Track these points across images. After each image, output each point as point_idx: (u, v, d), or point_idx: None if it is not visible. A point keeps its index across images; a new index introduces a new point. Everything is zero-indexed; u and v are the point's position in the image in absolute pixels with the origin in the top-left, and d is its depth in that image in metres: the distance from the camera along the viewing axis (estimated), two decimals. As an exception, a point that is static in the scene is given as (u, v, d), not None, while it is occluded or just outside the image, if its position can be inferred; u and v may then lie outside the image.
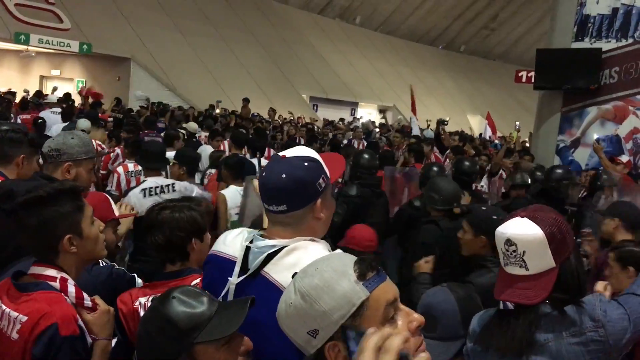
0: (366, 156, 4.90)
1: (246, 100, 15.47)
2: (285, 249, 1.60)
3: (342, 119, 19.10)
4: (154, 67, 19.44)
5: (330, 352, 1.14)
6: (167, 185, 4.33)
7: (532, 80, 10.68)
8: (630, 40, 8.24)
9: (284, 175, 1.61)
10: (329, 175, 1.68)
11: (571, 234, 1.81)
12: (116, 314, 1.94)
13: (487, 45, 34.74)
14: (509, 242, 1.76)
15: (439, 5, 30.27)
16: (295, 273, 1.23)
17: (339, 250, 1.34)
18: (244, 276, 1.62)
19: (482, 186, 7.91)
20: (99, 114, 9.52)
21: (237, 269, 1.63)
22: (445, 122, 10.95)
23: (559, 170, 5.71)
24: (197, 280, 2.08)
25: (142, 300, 2.10)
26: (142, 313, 2.02)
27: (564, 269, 1.75)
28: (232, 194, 4.58)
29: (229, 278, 1.63)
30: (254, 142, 7.11)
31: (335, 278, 1.16)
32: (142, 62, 19.14)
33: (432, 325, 1.95)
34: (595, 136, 7.92)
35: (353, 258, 1.20)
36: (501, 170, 7.79)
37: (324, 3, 27.89)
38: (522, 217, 1.78)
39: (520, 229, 1.75)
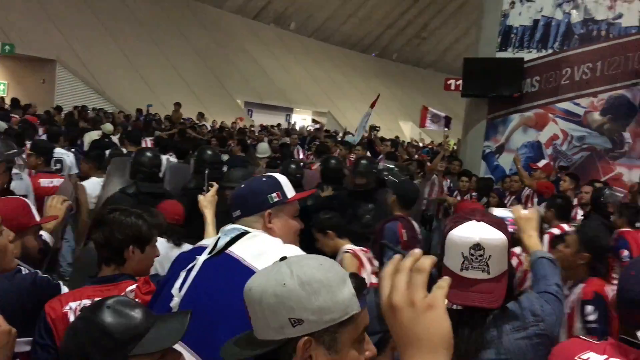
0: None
1: (177, 105, 15.30)
2: (250, 234, 1.89)
3: (278, 124, 19.12)
4: (81, 69, 18.81)
5: (303, 347, 1.13)
6: None
7: (460, 88, 11.07)
8: (550, 51, 8.67)
9: (243, 185, 2.02)
10: (287, 195, 1.99)
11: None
12: (44, 319, 1.97)
13: (418, 54, 35.65)
14: (477, 246, 1.75)
15: (372, 13, 30.82)
16: (285, 257, 1.22)
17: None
18: (210, 254, 1.85)
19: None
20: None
21: (208, 249, 1.87)
22: (377, 128, 11.14)
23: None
24: (133, 287, 2.07)
25: (73, 305, 2.03)
26: (72, 318, 1.96)
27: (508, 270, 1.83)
28: (92, 184, 5.02)
29: (198, 256, 1.86)
30: (176, 144, 7.52)
31: (338, 282, 1.16)
32: (68, 65, 18.47)
33: None
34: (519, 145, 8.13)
35: (346, 272, 1.22)
36: (434, 175, 7.99)
37: (259, 8, 27.84)
38: (478, 221, 1.79)
39: (487, 233, 1.76)
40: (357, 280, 1.18)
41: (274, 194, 1.96)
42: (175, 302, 1.80)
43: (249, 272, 1.63)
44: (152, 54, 21.46)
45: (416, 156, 13.15)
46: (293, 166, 5.12)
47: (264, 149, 8.35)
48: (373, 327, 1.86)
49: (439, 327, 0.92)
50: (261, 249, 1.81)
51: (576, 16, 8.48)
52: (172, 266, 1.99)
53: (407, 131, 29.17)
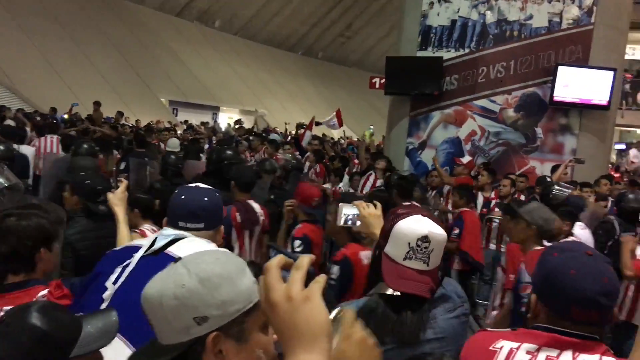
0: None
1: (97, 104, 14.85)
2: (188, 237, 1.94)
3: (203, 123, 18.84)
4: (-6, 68, 17.86)
5: (213, 343, 1.12)
6: None
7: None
8: (467, 50, 9.00)
9: (206, 199, 2.04)
10: None
11: None
12: None
13: (343, 53, 36.08)
14: (425, 239, 1.85)
15: (297, 12, 30.92)
16: (180, 257, 1.22)
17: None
18: (148, 252, 1.90)
19: (339, 187, 8.23)
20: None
21: (143, 248, 1.92)
22: (304, 126, 11.22)
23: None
24: (44, 292, 1.99)
25: None
26: None
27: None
28: None
29: (134, 254, 1.90)
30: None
31: (237, 272, 1.17)
32: (-22, 63, 17.50)
33: None
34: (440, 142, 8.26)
35: (243, 261, 1.23)
36: (372, 170, 8.13)
37: (182, 5, 27.32)
38: (423, 215, 1.90)
39: (434, 228, 1.87)
40: (255, 267, 1.24)
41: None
42: (107, 294, 1.82)
43: None
44: (70, 52, 20.63)
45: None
46: (173, 157, 5.76)
47: (174, 144, 8.88)
48: None
49: (318, 317, 0.94)
50: (198, 249, 1.84)
51: (490, 17, 8.85)
52: (102, 262, 2.01)
53: (336, 131, 29.42)
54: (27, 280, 2.06)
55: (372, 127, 8.86)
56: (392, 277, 1.84)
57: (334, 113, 11.60)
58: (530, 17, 8.67)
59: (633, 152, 17.57)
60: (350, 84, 34.06)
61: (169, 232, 1.97)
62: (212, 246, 1.94)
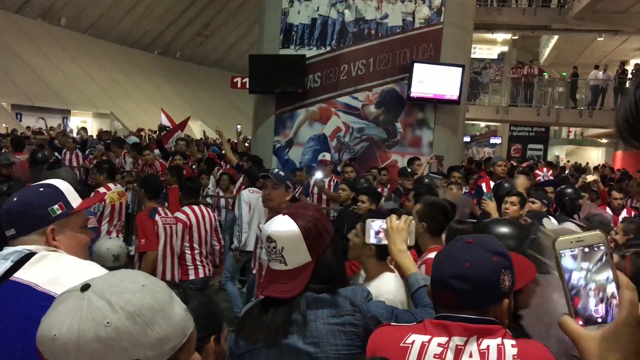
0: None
1: None
2: (37, 255, 1.57)
3: (52, 127, 17.48)
4: None
5: None
6: None
7: (247, 86, 11.23)
8: (328, 48, 9.19)
9: (15, 199, 1.69)
10: (72, 204, 1.73)
11: (328, 229, 1.91)
12: None
13: (202, 52, 35.38)
14: (269, 239, 1.83)
15: (151, 10, 29.77)
16: (87, 284, 0.95)
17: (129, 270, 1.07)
18: None
19: (209, 188, 8.03)
20: None
21: None
22: (167, 129, 10.82)
23: None
24: None
25: None
26: None
27: (320, 262, 1.87)
28: None
29: None
30: None
31: (168, 300, 0.98)
32: None
33: None
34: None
35: (165, 284, 1.03)
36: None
37: (22, 1, 25.16)
38: (284, 214, 1.86)
39: (279, 226, 1.83)
40: (179, 291, 1.06)
41: (56, 206, 1.69)
42: None
43: (47, 298, 1.40)
44: None
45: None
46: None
47: None
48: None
49: None
50: (56, 271, 1.54)
51: (349, 16, 9.10)
52: None
53: (197, 129, 28.82)
54: None
55: (239, 125, 8.74)
56: (263, 281, 1.88)
57: (163, 115, 11.40)
58: (386, 16, 9.03)
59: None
60: (210, 84, 33.51)
61: (8, 251, 1.60)
62: (67, 259, 1.61)
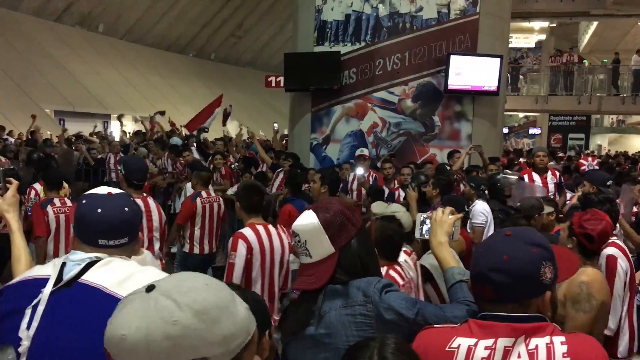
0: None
1: None
2: (104, 260, 1.63)
3: (96, 133, 17.90)
4: None
5: None
6: None
7: (282, 84, 11.29)
8: (363, 44, 9.15)
9: (126, 209, 1.74)
10: None
11: (354, 221, 1.89)
12: None
13: (235, 53, 35.68)
14: (294, 233, 1.88)
15: (185, 13, 30.16)
16: (152, 285, 0.97)
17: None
18: (57, 285, 1.57)
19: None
20: None
21: (51, 280, 1.59)
22: (206, 130, 10.97)
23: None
24: None
25: None
26: None
27: (345, 253, 1.86)
28: None
29: (41, 289, 1.56)
30: None
31: (231, 300, 0.99)
32: None
33: None
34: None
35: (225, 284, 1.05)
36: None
37: (61, 10, 25.79)
38: (308, 209, 1.90)
39: (301, 220, 1.87)
40: (240, 291, 1.08)
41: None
42: (24, 347, 1.50)
43: (114, 299, 1.44)
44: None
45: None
46: None
47: None
48: None
49: None
50: (122, 274, 1.60)
51: (383, 10, 9.04)
52: (10, 293, 1.65)
53: (232, 129, 29.10)
54: None
55: (276, 124, 8.80)
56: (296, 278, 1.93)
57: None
58: (421, 9, 8.95)
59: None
60: (245, 84, 33.74)
61: (79, 257, 1.65)
62: (131, 264, 1.69)
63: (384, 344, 1.34)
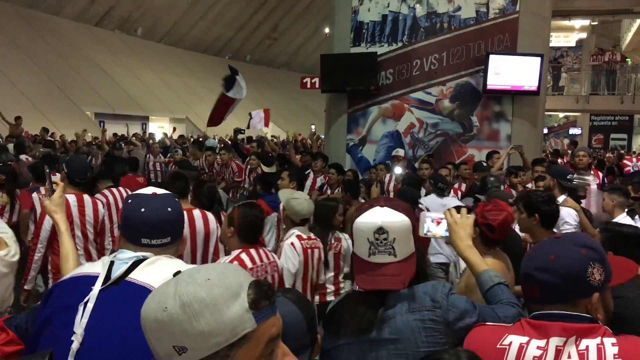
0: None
1: (18, 119, 14.21)
2: (149, 259, 1.68)
3: (135, 134, 18.27)
4: None
5: None
6: None
7: (317, 86, 11.30)
8: (399, 44, 9.08)
9: (169, 209, 1.77)
10: None
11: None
12: None
13: (271, 55, 35.92)
14: (380, 230, 1.79)
15: (221, 16, 30.51)
16: (178, 271, 1.07)
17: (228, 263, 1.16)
18: (107, 284, 1.63)
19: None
20: None
21: (100, 278, 1.64)
22: (242, 131, 11.05)
23: None
24: None
25: None
26: None
27: (417, 253, 1.87)
28: None
29: (92, 287, 1.62)
30: None
31: (226, 298, 1.01)
32: None
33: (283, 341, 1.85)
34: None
35: (249, 278, 1.07)
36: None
37: (101, 14, 26.38)
38: (382, 206, 1.83)
39: (389, 217, 1.80)
40: (257, 290, 1.04)
41: None
42: (77, 343, 1.55)
43: None
44: (-17, 68, 19.50)
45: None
46: None
47: None
48: (305, 342, 1.65)
49: None
50: (168, 273, 1.59)
51: (420, 10, 8.96)
52: (52, 299, 1.69)
53: (269, 132, 29.30)
54: None
55: (313, 125, 8.80)
56: (360, 275, 1.82)
57: (262, 115, 11.53)
58: (459, 8, 8.83)
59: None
60: (280, 85, 33.93)
61: (126, 255, 1.70)
62: (177, 262, 1.72)
63: (459, 357, 1.40)
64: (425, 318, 1.76)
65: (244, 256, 3.13)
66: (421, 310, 1.76)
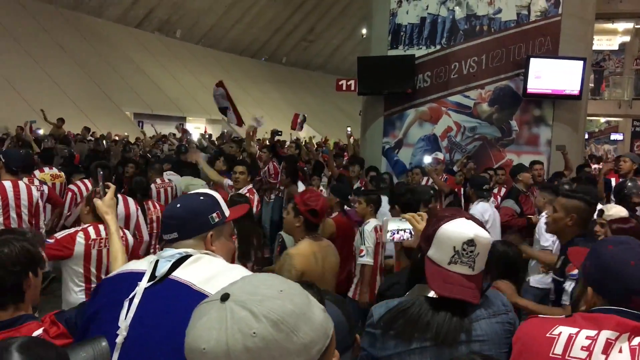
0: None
1: (60, 121, 14.50)
2: (193, 257, 1.70)
3: (173, 134, 18.57)
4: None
5: None
6: None
7: (352, 88, 11.25)
8: (438, 47, 9.00)
9: (178, 205, 1.83)
10: (225, 214, 1.87)
11: None
12: None
13: (306, 57, 36.05)
14: (471, 242, 1.80)
15: (259, 18, 30.75)
16: (227, 294, 0.95)
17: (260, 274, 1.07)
18: (152, 282, 1.66)
19: (321, 190, 8.13)
20: None
21: (146, 276, 1.68)
22: (279, 133, 11.11)
23: None
24: (39, 331, 1.78)
25: None
26: None
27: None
28: None
29: (138, 282, 1.66)
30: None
31: (307, 303, 0.96)
32: None
33: None
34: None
35: (298, 284, 1.03)
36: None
37: (141, 16, 26.90)
38: (467, 219, 1.84)
39: (480, 231, 1.82)
40: (314, 291, 1.04)
41: (215, 214, 1.83)
42: (121, 337, 1.58)
43: (201, 296, 1.47)
44: (29, 70, 20.06)
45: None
46: None
47: None
48: (345, 343, 1.67)
49: None
50: (210, 272, 1.65)
51: (459, 12, 8.87)
52: (99, 295, 1.74)
53: (302, 132, 29.39)
54: (18, 318, 1.83)
55: (349, 128, 8.80)
56: (437, 282, 1.79)
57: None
58: (499, 10, 8.71)
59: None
60: (315, 88, 34.03)
61: (169, 253, 1.73)
62: (218, 261, 1.73)
63: None
64: (504, 321, 1.84)
65: (90, 229, 3.69)
66: (500, 314, 1.84)
